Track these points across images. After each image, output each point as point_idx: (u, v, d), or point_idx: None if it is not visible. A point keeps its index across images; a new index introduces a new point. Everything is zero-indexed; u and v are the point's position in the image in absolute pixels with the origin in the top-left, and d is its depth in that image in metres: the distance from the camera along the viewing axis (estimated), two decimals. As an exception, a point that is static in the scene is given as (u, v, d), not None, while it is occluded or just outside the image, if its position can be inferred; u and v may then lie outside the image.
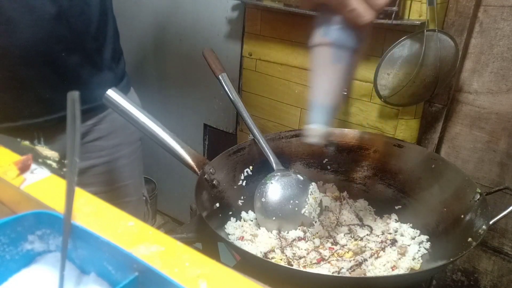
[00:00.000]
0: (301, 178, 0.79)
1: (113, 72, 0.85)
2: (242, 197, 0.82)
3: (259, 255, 0.70)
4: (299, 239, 0.74)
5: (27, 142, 0.69)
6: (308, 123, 0.56)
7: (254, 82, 1.34)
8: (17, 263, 0.39)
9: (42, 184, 0.49)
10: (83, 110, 0.74)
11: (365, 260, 0.70)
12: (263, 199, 0.76)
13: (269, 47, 1.25)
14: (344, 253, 0.72)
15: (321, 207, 0.81)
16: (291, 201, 0.76)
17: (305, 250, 0.72)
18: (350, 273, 0.67)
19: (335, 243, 0.75)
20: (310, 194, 0.77)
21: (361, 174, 0.88)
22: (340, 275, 0.67)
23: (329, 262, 0.70)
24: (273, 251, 0.72)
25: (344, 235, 0.76)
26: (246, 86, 1.36)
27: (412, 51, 0.94)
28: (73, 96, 0.39)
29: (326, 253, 0.72)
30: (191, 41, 1.48)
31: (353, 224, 0.79)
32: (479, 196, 0.69)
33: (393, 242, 0.75)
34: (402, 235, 0.77)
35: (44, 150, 0.64)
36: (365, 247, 0.73)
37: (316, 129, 0.56)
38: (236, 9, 1.32)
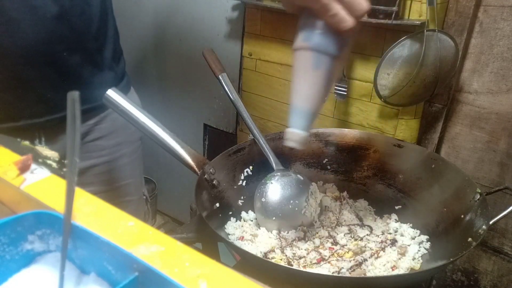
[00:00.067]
0: (301, 178, 0.79)
1: (113, 72, 0.85)
2: (242, 197, 0.82)
3: (259, 255, 0.70)
4: (299, 239, 0.74)
5: (27, 142, 0.69)
6: (288, 126, 0.56)
7: (254, 82, 1.34)
8: (17, 263, 0.39)
9: (42, 184, 0.49)
10: (84, 109, 0.75)
11: (365, 260, 0.70)
12: (263, 199, 0.76)
13: (269, 47, 1.25)
14: (344, 253, 0.72)
15: (321, 207, 0.81)
16: (291, 201, 0.76)
17: (305, 250, 0.72)
18: (350, 273, 0.67)
19: (335, 243, 0.75)
20: (310, 194, 0.77)
21: (361, 174, 0.88)
22: (340, 275, 0.67)
23: (329, 262, 0.70)
24: (273, 251, 0.72)
25: (344, 235, 0.76)
26: (246, 86, 1.36)
27: (412, 51, 0.94)
28: (73, 96, 0.39)
29: (326, 253, 0.72)
30: (191, 41, 1.48)
31: (353, 224, 0.79)
32: (479, 196, 0.69)
33: (393, 242, 0.75)
34: (402, 235, 0.77)
35: (44, 150, 0.64)
36: (365, 247, 0.73)
37: (295, 133, 0.56)
38: (236, 9, 1.32)
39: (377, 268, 0.69)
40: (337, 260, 0.70)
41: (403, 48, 0.94)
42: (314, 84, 0.54)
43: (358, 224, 0.79)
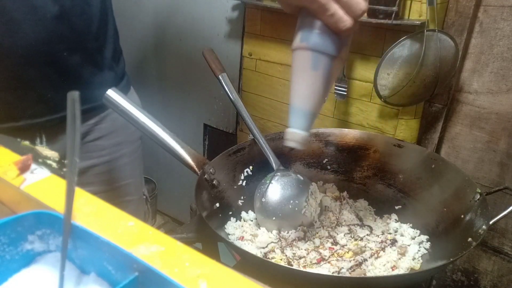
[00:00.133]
0: (301, 178, 0.79)
1: (113, 72, 0.85)
2: (242, 197, 0.82)
3: (259, 255, 0.70)
4: (299, 239, 0.74)
5: (27, 142, 0.69)
6: (288, 126, 0.56)
7: (254, 82, 1.34)
8: (17, 263, 0.39)
9: (42, 184, 0.49)
10: (84, 109, 0.75)
11: (365, 260, 0.70)
12: (263, 199, 0.76)
13: (269, 47, 1.25)
14: (344, 253, 0.72)
15: (321, 207, 0.81)
16: (291, 201, 0.76)
17: (305, 250, 0.72)
18: (350, 273, 0.67)
19: (335, 243, 0.75)
20: (310, 194, 0.77)
21: (361, 174, 0.88)
22: (340, 275, 0.67)
23: (329, 262, 0.70)
24: (273, 251, 0.72)
25: (344, 235, 0.76)
26: (246, 86, 1.36)
27: (412, 51, 0.94)
28: (73, 96, 0.39)
29: (326, 253, 0.72)
30: (191, 41, 1.48)
31: (353, 224, 0.79)
32: (479, 196, 0.69)
33: (393, 242, 0.75)
34: (402, 235, 0.77)
35: (44, 150, 0.64)
36: (365, 247, 0.73)
37: (296, 133, 0.56)
38: (236, 9, 1.32)
39: (377, 268, 0.69)
40: (337, 260, 0.70)
41: (403, 48, 0.94)
42: (313, 84, 0.54)
43: (358, 224, 0.79)
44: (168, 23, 1.52)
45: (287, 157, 0.87)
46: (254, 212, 0.79)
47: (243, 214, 0.80)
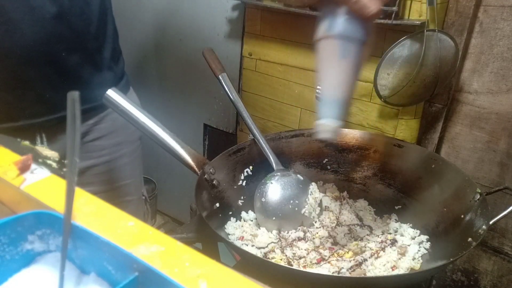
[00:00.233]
0: (301, 178, 0.79)
1: (113, 72, 0.85)
2: (242, 197, 0.82)
3: (259, 255, 0.70)
4: (299, 239, 0.74)
5: (27, 142, 0.69)
6: (318, 118, 0.55)
7: (254, 82, 1.34)
8: (17, 263, 0.39)
9: (42, 184, 0.49)
10: (84, 109, 0.74)
11: (365, 260, 0.70)
12: (263, 199, 0.76)
13: (269, 47, 1.25)
14: (344, 253, 0.72)
15: (321, 207, 0.81)
16: (291, 201, 0.76)
17: (305, 250, 0.72)
18: (350, 273, 0.67)
19: (335, 243, 0.75)
20: (310, 194, 0.77)
21: (361, 174, 0.88)
22: (340, 275, 0.67)
23: (329, 262, 0.70)
24: (273, 251, 0.72)
25: (344, 235, 0.76)
26: (246, 86, 1.36)
27: (412, 51, 0.94)
28: (73, 96, 0.39)
29: (326, 253, 0.72)
30: (191, 41, 1.48)
31: (353, 224, 0.79)
32: (479, 196, 0.69)
33: (393, 242, 0.75)
34: (402, 235, 0.77)
35: (44, 150, 0.64)
36: (365, 247, 0.73)
37: (327, 124, 0.55)
38: (236, 9, 1.32)
39: (377, 268, 0.69)
40: (337, 260, 0.70)
41: (403, 48, 0.94)
42: (344, 72, 0.54)
43: (358, 224, 0.79)
44: (168, 23, 1.52)
45: (287, 157, 0.87)
46: (254, 212, 0.79)
47: (243, 214, 0.80)
